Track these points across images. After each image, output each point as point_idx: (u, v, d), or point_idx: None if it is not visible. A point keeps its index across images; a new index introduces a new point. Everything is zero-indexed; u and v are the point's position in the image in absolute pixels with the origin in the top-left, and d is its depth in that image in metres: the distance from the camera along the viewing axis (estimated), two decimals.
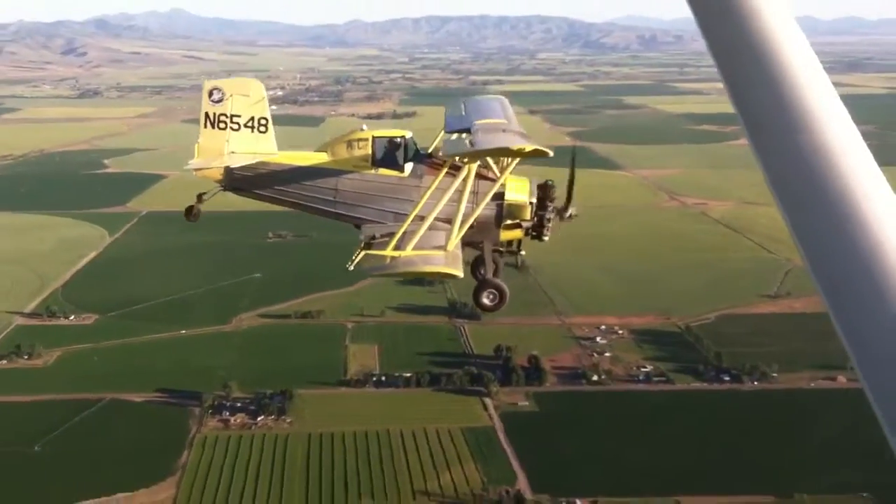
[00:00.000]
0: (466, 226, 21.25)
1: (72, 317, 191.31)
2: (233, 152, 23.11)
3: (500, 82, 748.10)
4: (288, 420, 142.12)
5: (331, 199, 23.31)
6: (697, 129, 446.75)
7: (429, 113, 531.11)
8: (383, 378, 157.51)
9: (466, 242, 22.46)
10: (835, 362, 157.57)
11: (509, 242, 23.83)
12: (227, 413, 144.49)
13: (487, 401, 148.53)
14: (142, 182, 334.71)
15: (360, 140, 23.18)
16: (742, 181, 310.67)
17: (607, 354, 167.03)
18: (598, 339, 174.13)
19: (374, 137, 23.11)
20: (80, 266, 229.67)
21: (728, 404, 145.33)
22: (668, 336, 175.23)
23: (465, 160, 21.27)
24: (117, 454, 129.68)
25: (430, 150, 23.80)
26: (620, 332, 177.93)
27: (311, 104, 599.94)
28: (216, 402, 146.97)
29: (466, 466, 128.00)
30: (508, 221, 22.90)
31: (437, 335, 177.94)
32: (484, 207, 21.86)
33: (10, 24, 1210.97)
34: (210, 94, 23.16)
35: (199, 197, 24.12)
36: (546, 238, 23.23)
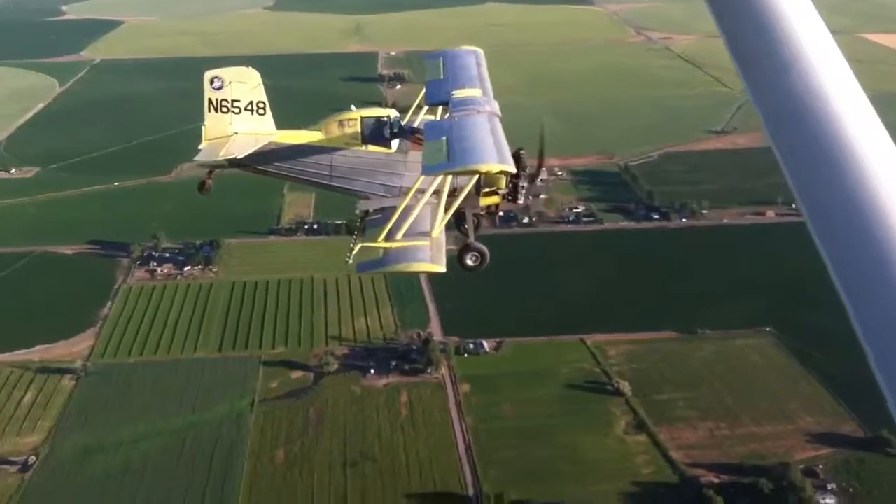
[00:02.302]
0: (451, 212, 22.85)
1: (13, 170, 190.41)
2: (236, 132, 25.34)
3: None
4: (214, 269, 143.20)
5: (327, 173, 25.41)
6: None
7: None
8: (315, 226, 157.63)
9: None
10: (766, 198, 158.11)
11: (488, 207, 25.68)
12: (155, 264, 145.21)
13: None
14: (98, 28, 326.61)
15: (350, 119, 25.24)
16: (707, 14, 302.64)
17: (542, 196, 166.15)
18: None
19: (362, 117, 25.07)
20: (26, 118, 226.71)
21: (651, 242, 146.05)
22: (607, 175, 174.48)
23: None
24: (39, 308, 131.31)
25: (414, 125, 25.65)
26: (560, 173, 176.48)
27: None
28: (144, 253, 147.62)
29: (383, 311, 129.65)
30: (486, 189, 24.71)
31: None
32: (469, 185, 23.48)
33: None
34: (211, 81, 25.29)
35: (210, 172, 26.37)
36: (521, 201, 25.26)
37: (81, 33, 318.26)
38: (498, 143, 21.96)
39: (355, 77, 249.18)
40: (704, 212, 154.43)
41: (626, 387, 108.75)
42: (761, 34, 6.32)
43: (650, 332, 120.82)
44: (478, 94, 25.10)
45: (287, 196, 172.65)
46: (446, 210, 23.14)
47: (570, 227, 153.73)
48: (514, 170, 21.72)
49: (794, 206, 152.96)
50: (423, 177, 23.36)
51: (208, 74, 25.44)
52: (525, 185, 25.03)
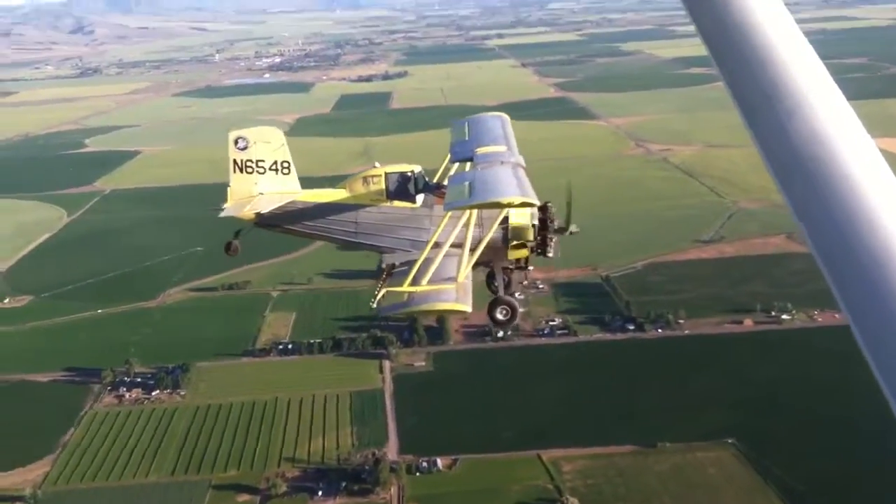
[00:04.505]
0: (476, 256, 23.17)
1: (6, 300, 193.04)
2: (261, 193, 25.56)
3: (500, 36, 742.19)
4: (182, 393, 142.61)
5: (352, 230, 25.78)
6: (684, 73, 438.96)
7: (419, 72, 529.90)
8: (290, 346, 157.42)
9: (479, 263, 24.47)
10: (745, 306, 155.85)
11: (517, 260, 25.94)
12: (124, 389, 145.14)
13: (387, 363, 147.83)
14: (115, 160, 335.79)
15: (374, 176, 25.60)
16: (711, 124, 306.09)
17: (521, 310, 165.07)
18: (517, 294, 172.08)
19: (386, 173, 25.46)
20: (29, 249, 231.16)
21: (622, 353, 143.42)
22: (587, 287, 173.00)
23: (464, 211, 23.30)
24: (1, 436, 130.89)
25: (437, 180, 26.14)
26: (542, 286, 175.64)
27: (305, 70, 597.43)
28: (117, 379, 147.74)
29: (342, 431, 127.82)
30: (515, 242, 25.10)
31: (359, 300, 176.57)
32: (491, 232, 23.96)
33: (22, 5, 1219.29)
34: (236, 142, 25.69)
35: (236, 234, 26.53)
36: (550, 254, 25.51)
37: (98, 165, 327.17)
38: (521, 183, 22.07)
39: None
40: (681, 321, 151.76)
41: None
42: (763, 79, 6.36)
43: (610, 445, 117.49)
44: (503, 149, 25.49)
45: (268, 317, 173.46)
46: (471, 252, 23.20)
47: (543, 341, 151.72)
48: (536, 202, 21.65)
49: (772, 314, 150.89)
50: (446, 229, 23.56)
51: (233, 135, 25.84)
52: (553, 236, 25.31)
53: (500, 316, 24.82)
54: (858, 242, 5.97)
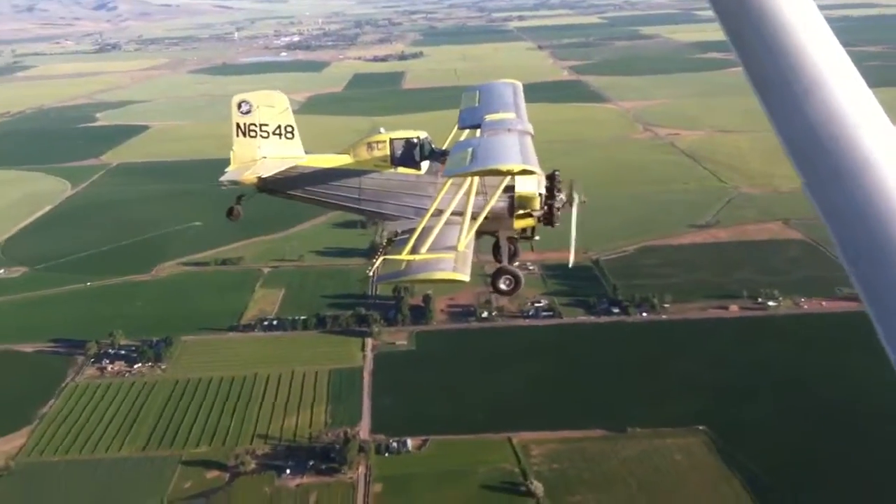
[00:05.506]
0: (476, 224, 22.67)
1: (1, 270, 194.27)
2: (264, 157, 25.39)
3: (521, 18, 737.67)
4: (163, 367, 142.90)
5: (356, 196, 25.34)
6: (700, 58, 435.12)
7: (436, 53, 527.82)
8: (275, 322, 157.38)
9: (484, 231, 24.36)
10: (733, 292, 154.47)
11: (523, 229, 25.58)
12: (107, 361, 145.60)
13: (369, 341, 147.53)
14: (125, 133, 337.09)
15: (378, 142, 25.33)
16: (723, 109, 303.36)
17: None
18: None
19: (391, 139, 25.25)
20: (30, 220, 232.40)
21: (604, 337, 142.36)
22: (577, 270, 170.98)
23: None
24: None
25: (445, 147, 25.69)
26: (532, 267, 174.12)
27: (323, 48, 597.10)
28: (101, 351, 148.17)
29: (317, 409, 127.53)
30: (520, 211, 24.71)
31: (349, 278, 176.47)
32: (497, 200, 23.65)
33: None
34: (239, 106, 25.52)
35: (238, 199, 26.25)
36: (557, 224, 25.03)
37: (108, 139, 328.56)
38: (524, 151, 21.62)
39: None
40: (666, 305, 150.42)
41: (539, 488, 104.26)
42: (778, 60, 6.26)
43: (580, 429, 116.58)
44: (511, 116, 25.18)
45: (258, 292, 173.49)
46: (472, 221, 22.69)
47: (527, 322, 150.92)
48: (538, 170, 21.10)
49: (759, 300, 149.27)
50: (449, 196, 23.11)
51: (236, 98, 25.65)
52: (560, 206, 24.90)
53: (503, 286, 24.54)
54: (877, 223, 5.90)
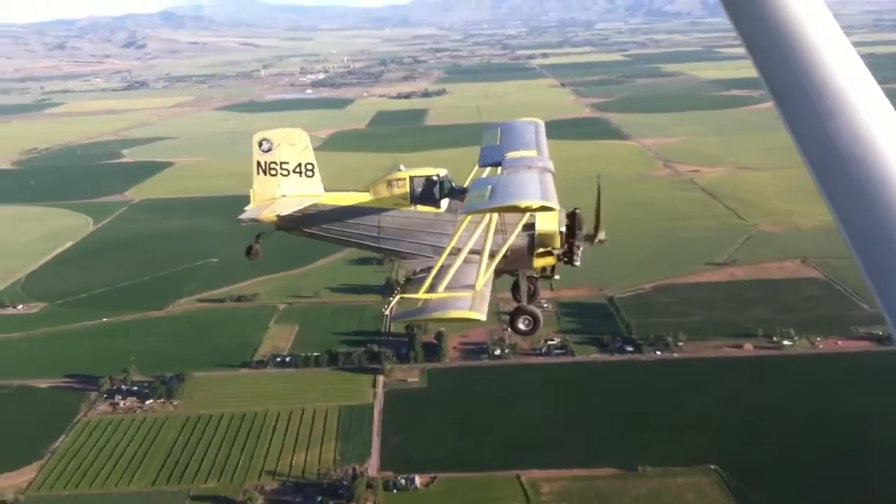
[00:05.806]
0: (494, 263, 22.34)
1: (20, 306, 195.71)
2: (284, 195, 25.28)
3: (545, 55, 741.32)
4: (175, 403, 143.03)
5: (374, 234, 25.17)
6: (722, 95, 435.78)
7: (459, 90, 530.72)
8: (287, 358, 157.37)
9: (503, 270, 24.01)
10: (748, 330, 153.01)
11: (543, 268, 25.38)
12: (120, 397, 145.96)
13: (381, 378, 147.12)
14: (149, 170, 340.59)
15: (398, 180, 25.12)
16: (744, 146, 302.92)
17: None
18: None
19: (411, 177, 25.05)
20: (51, 256, 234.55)
21: (617, 375, 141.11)
22: (592, 308, 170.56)
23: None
24: None
25: (465, 185, 25.38)
26: (546, 305, 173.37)
27: (347, 86, 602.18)
28: (114, 387, 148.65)
29: (326, 446, 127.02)
30: (540, 250, 24.44)
31: (363, 314, 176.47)
32: (516, 238, 23.34)
33: (80, 19, 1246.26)
34: (260, 144, 25.48)
35: (257, 238, 26.13)
36: (577, 263, 24.75)
37: (132, 175, 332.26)
38: (544, 187, 21.49)
39: None
40: (680, 344, 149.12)
41: None
42: (802, 78, 6.21)
43: (591, 468, 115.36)
44: (532, 154, 25.00)
45: (272, 329, 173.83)
46: (491, 259, 22.39)
47: (539, 360, 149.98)
48: (557, 206, 20.84)
49: (774, 339, 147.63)
50: (467, 234, 22.88)
51: (257, 136, 25.69)
52: (581, 244, 24.67)
53: (522, 326, 24.20)
54: None
